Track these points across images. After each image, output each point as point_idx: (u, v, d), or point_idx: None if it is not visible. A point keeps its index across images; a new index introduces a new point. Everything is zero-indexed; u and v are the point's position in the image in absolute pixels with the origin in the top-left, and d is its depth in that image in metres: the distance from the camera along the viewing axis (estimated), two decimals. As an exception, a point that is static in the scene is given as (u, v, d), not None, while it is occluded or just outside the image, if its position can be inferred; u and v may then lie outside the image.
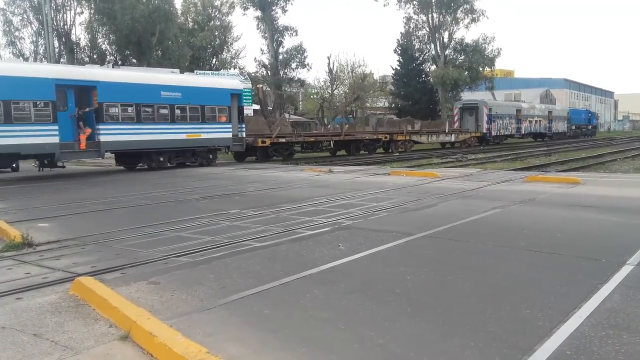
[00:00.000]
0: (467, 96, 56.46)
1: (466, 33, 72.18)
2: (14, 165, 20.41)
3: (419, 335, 4.09)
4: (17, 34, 42.20)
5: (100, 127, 19.70)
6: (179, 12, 46.14)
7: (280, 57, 51.47)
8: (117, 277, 5.82)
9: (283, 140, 28.97)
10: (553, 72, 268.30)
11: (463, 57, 53.16)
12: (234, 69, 49.90)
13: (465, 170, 19.52)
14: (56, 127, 18.32)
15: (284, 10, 50.62)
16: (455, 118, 45.84)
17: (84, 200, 12.48)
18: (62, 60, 37.02)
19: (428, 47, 55.70)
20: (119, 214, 10.57)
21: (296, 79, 51.64)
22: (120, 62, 39.42)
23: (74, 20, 39.32)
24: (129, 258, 6.70)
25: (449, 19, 52.02)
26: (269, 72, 50.65)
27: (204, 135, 23.30)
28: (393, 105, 59.36)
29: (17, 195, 14.09)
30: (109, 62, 39.06)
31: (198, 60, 46.36)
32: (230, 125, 24.48)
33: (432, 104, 55.73)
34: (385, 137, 35.16)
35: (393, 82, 59.41)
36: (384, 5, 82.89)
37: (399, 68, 57.59)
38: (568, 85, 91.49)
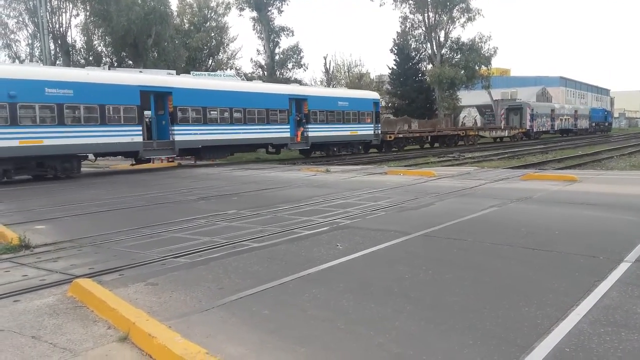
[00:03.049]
0: (463, 95, 56.84)
1: (462, 32, 72.43)
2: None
3: (418, 334, 4.09)
4: (12, 36, 41.91)
5: (309, 126, 29.39)
6: (175, 13, 45.78)
7: (277, 57, 51.25)
8: (115, 279, 5.81)
9: (401, 136, 37.46)
10: (549, 70, 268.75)
11: (459, 56, 52.92)
12: (231, 69, 49.75)
13: (462, 168, 19.55)
14: (289, 127, 28.13)
15: (280, 11, 50.34)
16: (502, 117, 53.79)
17: (81, 202, 12.44)
18: (57, 62, 36.87)
19: (424, 46, 55.38)
20: (115, 215, 10.54)
21: (293, 79, 51.39)
22: (116, 63, 39.29)
23: (69, 23, 38.99)
24: (126, 259, 6.68)
25: (445, 18, 51.84)
26: (265, 72, 50.39)
27: (359, 132, 33.00)
28: (390, 104, 59.22)
29: (12, 198, 14.03)
30: (104, 64, 38.90)
31: (194, 61, 46.14)
32: (372, 125, 33.89)
33: (428, 103, 55.59)
34: (463, 133, 43.66)
35: (389, 82, 59.33)
36: (380, 5, 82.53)
37: (395, 67, 57.47)
38: (564, 83, 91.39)
